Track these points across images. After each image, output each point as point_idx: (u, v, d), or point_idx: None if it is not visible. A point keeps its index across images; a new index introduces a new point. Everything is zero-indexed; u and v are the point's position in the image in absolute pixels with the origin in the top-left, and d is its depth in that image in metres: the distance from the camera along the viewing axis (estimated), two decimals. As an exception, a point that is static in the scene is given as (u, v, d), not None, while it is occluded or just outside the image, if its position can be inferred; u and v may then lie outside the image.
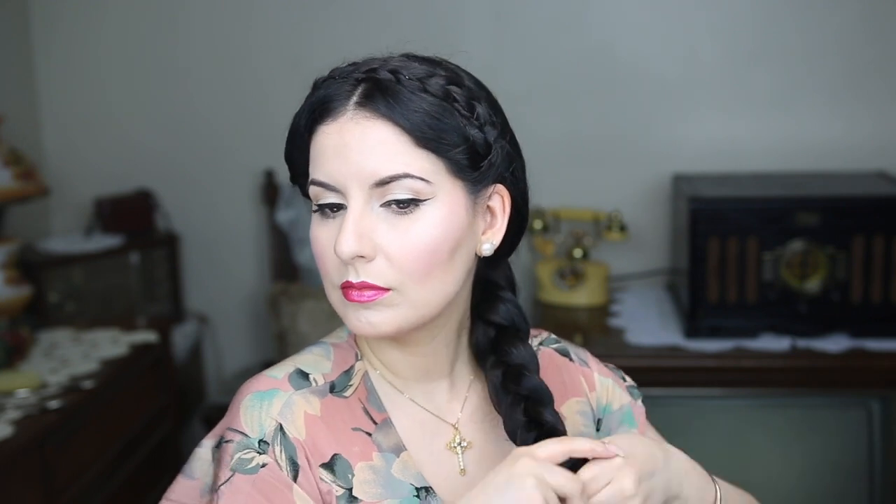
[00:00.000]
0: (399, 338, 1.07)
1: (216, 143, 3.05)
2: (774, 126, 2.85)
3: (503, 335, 1.12)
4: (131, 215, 2.95)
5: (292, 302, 2.81)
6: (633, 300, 2.77)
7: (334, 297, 1.04)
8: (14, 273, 2.46)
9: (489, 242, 1.08)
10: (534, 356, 1.12)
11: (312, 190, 1.03)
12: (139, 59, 3.05)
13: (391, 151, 1.00)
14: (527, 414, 1.06)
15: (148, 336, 2.52)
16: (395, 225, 1.00)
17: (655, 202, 2.90)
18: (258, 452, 1.02)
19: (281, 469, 1.02)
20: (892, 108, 2.82)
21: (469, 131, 1.03)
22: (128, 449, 2.40)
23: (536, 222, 2.78)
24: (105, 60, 3.07)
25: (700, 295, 2.43)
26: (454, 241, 1.03)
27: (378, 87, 1.01)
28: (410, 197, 1.00)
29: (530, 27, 2.90)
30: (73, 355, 2.37)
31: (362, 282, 1.00)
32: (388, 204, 1.00)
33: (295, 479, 1.02)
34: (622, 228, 2.75)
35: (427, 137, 1.00)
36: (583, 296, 2.73)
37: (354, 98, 1.01)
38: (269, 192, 2.96)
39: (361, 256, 1.00)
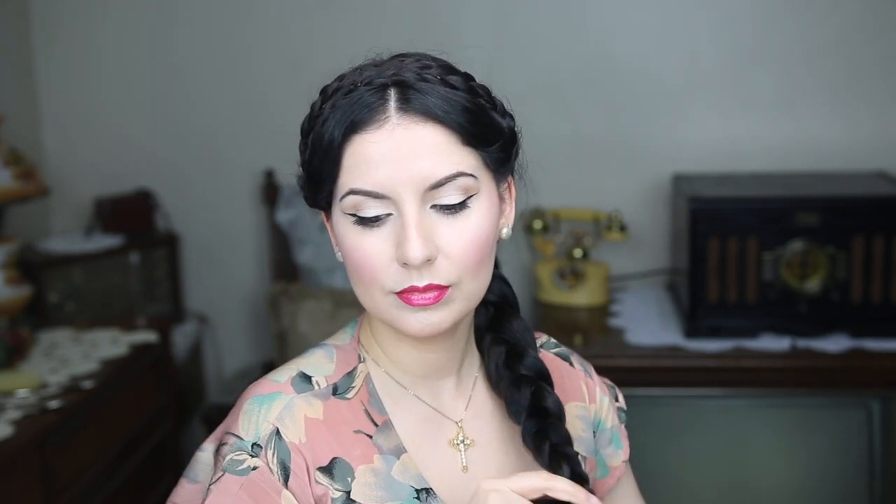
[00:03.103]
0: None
1: (216, 143, 3.06)
2: (774, 126, 2.85)
3: (499, 311, 1.15)
4: (131, 215, 2.95)
5: (292, 302, 2.81)
6: (633, 300, 2.77)
7: (386, 302, 1.03)
8: (14, 273, 2.46)
9: (506, 227, 1.10)
10: (530, 330, 1.15)
11: (351, 200, 1.01)
12: (139, 59, 3.05)
13: (444, 152, 1.00)
14: (532, 396, 1.08)
15: (148, 336, 2.52)
16: (451, 224, 1.01)
17: (655, 202, 2.91)
18: (250, 455, 1.03)
19: (272, 473, 1.02)
20: (892, 108, 2.82)
21: (501, 123, 1.06)
22: (128, 449, 2.39)
23: (536, 222, 2.78)
24: (105, 60, 3.07)
25: (700, 295, 2.43)
26: (495, 232, 1.06)
27: (414, 89, 1.01)
28: (462, 197, 1.01)
29: (530, 27, 2.90)
30: (73, 355, 2.37)
31: (428, 284, 1.00)
32: (437, 206, 1.01)
33: (286, 483, 1.02)
34: (622, 228, 2.75)
35: (472, 134, 1.02)
36: (583, 296, 2.74)
37: (393, 103, 1.00)
38: (269, 192, 2.96)
39: (429, 259, 1.00)
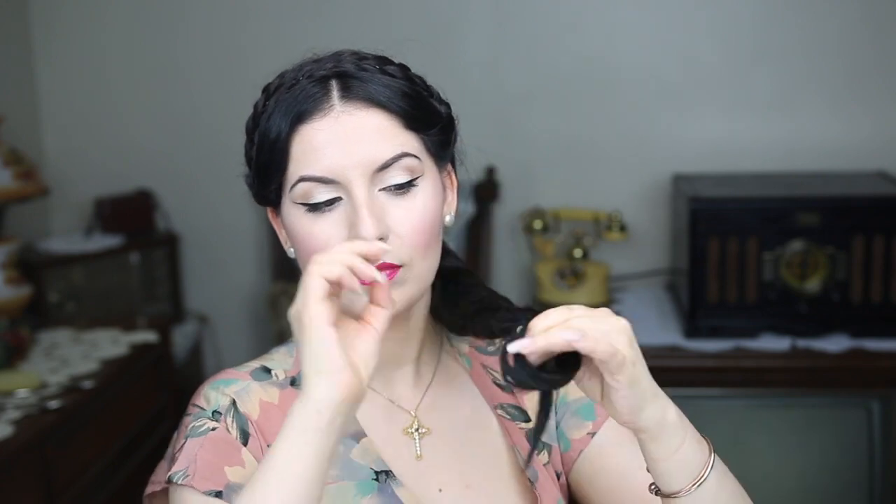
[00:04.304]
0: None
1: (216, 143, 3.05)
2: (774, 126, 2.85)
3: (457, 279, 1.17)
4: (131, 215, 2.95)
5: (292, 302, 2.81)
6: (633, 300, 2.77)
7: None
8: (14, 273, 2.46)
9: (449, 215, 1.13)
10: (493, 291, 1.16)
11: (302, 187, 1.05)
12: (139, 59, 3.05)
13: (388, 136, 1.04)
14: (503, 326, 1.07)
15: (148, 336, 2.52)
16: (399, 204, 1.05)
17: (655, 202, 2.90)
18: (210, 419, 1.08)
19: (230, 433, 1.07)
20: (892, 108, 2.82)
21: (439, 108, 1.10)
22: (128, 449, 2.39)
23: (536, 222, 2.78)
24: (105, 60, 3.07)
25: (700, 295, 2.43)
26: (440, 215, 1.09)
27: (355, 77, 1.05)
28: (408, 178, 1.05)
29: (530, 28, 2.90)
30: (73, 355, 2.37)
31: (382, 263, 1.02)
32: (386, 188, 1.04)
33: (245, 444, 1.07)
34: (622, 228, 2.75)
35: (414, 118, 1.06)
36: (583, 296, 2.73)
37: (336, 92, 1.05)
38: (269, 192, 2.95)
39: (381, 238, 1.02)
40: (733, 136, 2.86)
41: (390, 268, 1.03)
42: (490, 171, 2.86)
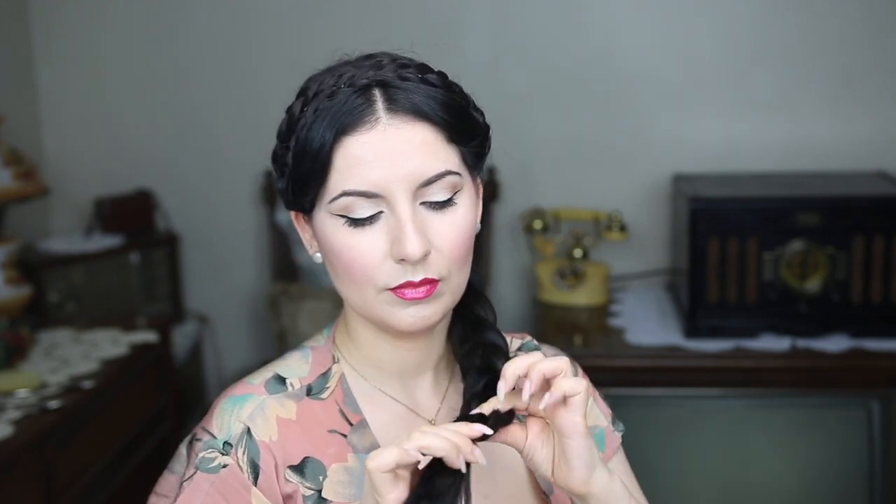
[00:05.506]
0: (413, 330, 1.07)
1: (216, 143, 3.06)
2: (774, 126, 2.85)
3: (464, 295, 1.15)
4: (131, 215, 2.95)
5: (292, 302, 2.81)
6: (633, 300, 2.77)
7: (379, 299, 1.04)
8: (14, 273, 2.46)
9: (476, 224, 1.12)
10: (493, 309, 1.16)
11: (343, 201, 1.02)
12: (139, 59, 3.05)
13: (433, 150, 1.02)
14: (482, 360, 1.09)
15: (148, 336, 2.52)
16: (440, 219, 1.03)
17: (655, 202, 2.91)
18: (221, 453, 1.05)
19: (241, 471, 1.04)
20: (891, 108, 2.82)
21: (478, 119, 1.07)
22: (128, 449, 2.39)
23: (536, 222, 2.78)
24: (105, 61, 3.07)
25: (700, 295, 2.43)
26: (476, 226, 1.08)
27: (398, 88, 1.02)
28: (450, 194, 1.03)
29: (530, 28, 2.90)
30: (73, 355, 2.37)
31: (424, 278, 1.02)
32: (426, 202, 1.03)
33: (255, 481, 1.04)
34: (622, 228, 2.75)
35: (456, 130, 1.04)
36: (583, 296, 2.74)
37: (381, 104, 1.01)
38: (269, 192, 2.96)
39: (425, 254, 1.01)
40: (733, 136, 2.86)
41: (430, 283, 1.02)
42: (490, 171, 2.86)
